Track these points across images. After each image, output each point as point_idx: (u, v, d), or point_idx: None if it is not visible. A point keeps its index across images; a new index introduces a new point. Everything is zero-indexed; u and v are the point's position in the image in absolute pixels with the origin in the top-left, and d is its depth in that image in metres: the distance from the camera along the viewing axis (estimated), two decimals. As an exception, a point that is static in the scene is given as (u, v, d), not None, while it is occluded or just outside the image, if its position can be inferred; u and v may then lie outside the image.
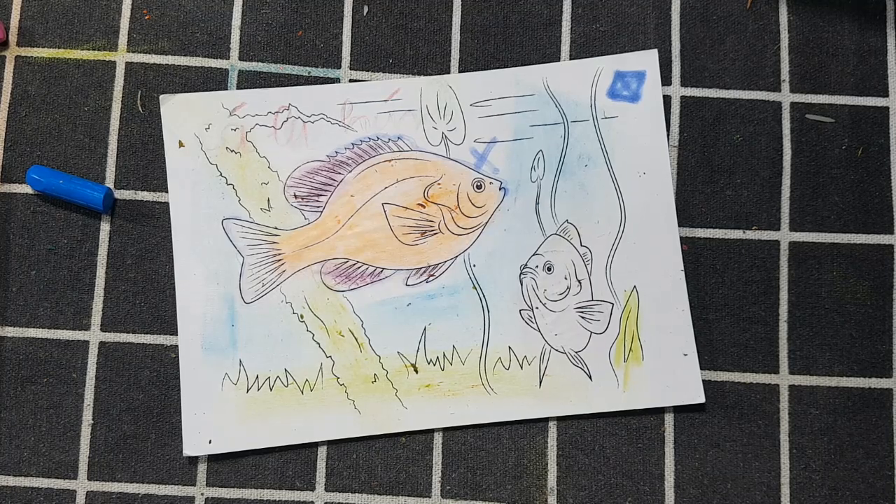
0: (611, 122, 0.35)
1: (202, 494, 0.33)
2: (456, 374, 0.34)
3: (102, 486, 0.33)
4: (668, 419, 0.34)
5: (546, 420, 0.34)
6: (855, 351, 0.34)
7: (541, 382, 0.34)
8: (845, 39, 0.36)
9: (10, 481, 0.33)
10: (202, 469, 0.33)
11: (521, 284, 0.34)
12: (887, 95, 0.36)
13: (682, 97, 0.36)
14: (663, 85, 0.35)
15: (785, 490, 0.33)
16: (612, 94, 0.35)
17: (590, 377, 0.34)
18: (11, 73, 0.35)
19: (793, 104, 0.36)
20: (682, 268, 0.34)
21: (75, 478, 0.33)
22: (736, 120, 0.35)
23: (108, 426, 0.33)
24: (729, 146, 0.35)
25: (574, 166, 0.35)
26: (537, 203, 0.35)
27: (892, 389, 0.34)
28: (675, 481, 0.33)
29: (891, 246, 0.35)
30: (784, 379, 0.34)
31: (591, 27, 0.36)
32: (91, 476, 0.33)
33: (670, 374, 0.34)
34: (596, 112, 0.35)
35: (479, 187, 0.35)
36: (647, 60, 0.35)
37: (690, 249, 0.35)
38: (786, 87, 0.36)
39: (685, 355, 0.34)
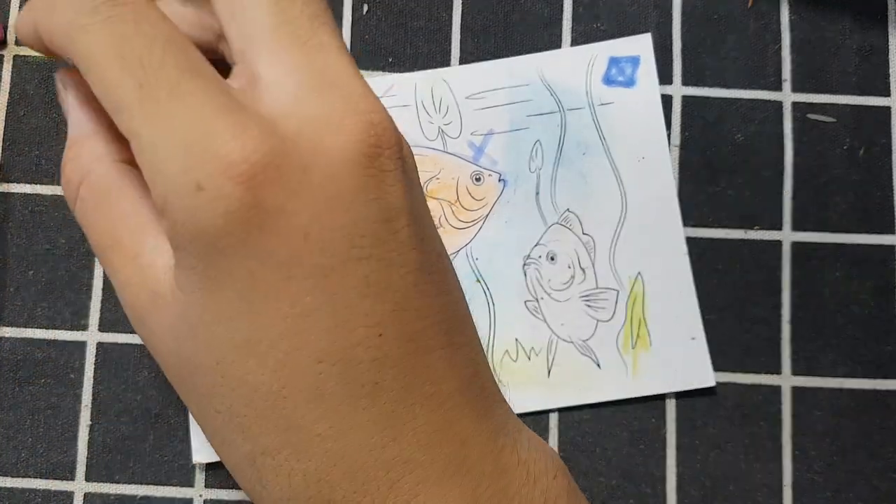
0: (607, 108, 0.35)
1: (201, 496, 0.33)
2: None
3: (100, 488, 0.33)
4: (670, 421, 0.34)
5: (551, 417, 0.33)
6: (858, 352, 0.34)
7: (549, 373, 0.33)
8: (847, 39, 0.36)
9: (8, 482, 0.33)
10: (201, 470, 0.33)
11: (525, 275, 0.34)
12: (889, 95, 0.36)
13: (684, 96, 0.35)
14: (664, 84, 0.35)
15: (787, 492, 0.33)
16: (608, 80, 0.35)
17: (598, 365, 0.33)
18: (10, 73, 0.35)
19: (794, 104, 0.35)
20: (686, 251, 0.34)
21: (73, 479, 0.33)
22: (737, 119, 0.35)
23: (106, 427, 0.33)
24: (730, 146, 0.35)
25: (572, 154, 0.35)
26: (537, 193, 0.35)
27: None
28: (677, 483, 0.33)
29: (893, 246, 0.35)
30: (786, 380, 0.34)
31: (592, 26, 0.36)
32: (89, 477, 0.33)
33: (679, 358, 0.33)
34: (592, 99, 0.35)
35: (478, 180, 0.35)
36: (640, 45, 0.35)
37: (692, 250, 0.34)
38: (787, 86, 0.36)
39: (693, 339, 0.34)
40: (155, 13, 0.20)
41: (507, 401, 0.23)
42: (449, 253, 0.34)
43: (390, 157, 0.20)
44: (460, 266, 0.34)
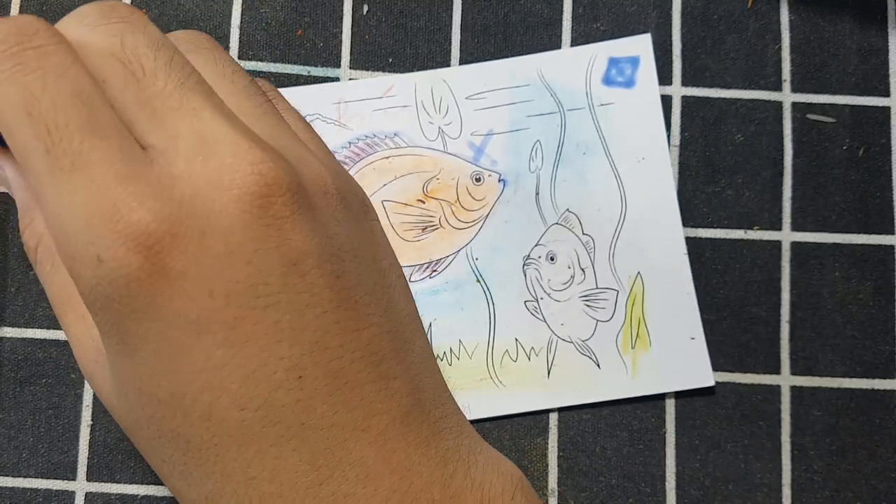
0: (607, 108, 0.35)
1: (201, 496, 0.33)
2: (464, 368, 0.33)
3: (101, 487, 0.33)
4: (670, 421, 0.34)
5: (551, 417, 0.33)
6: (857, 352, 0.34)
7: (549, 373, 0.33)
8: (846, 39, 0.36)
9: (9, 482, 0.33)
10: (201, 470, 0.33)
11: (525, 275, 0.34)
12: (888, 95, 0.36)
13: (683, 97, 0.35)
14: (664, 84, 0.35)
15: (786, 491, 0.33)
16: (607, 80, 0.35)
17: (598, 365, 0.34)
18: (11, 73, 0.35)
19: (794, 104, 0.36)
20: (686, 251, 0.34)
21: (74, 479, 0.33)
22: (737, 120, 0.35)
23: (107, 427, 0.33)
24: (730, 146, 0.35)
25: (572, 155, 0.35)
26: (537, 193, 0.35)
27: (895, 391, 0.34)
28: (677, 482, 0.33)
29: (892, 246, 0.35)
30: (786, 380, 0.34)
31: (592, 26, 0.36)
32: (90, 477, 0.33)
33: (679, 358, 0.34)
34: (592, 100, 0.35)
35: (478, 180, 0.35)
36: (640, 45, 0.35)
37: (692, 250, 0.34)
38: (787, 86, 0.36)
39: (692, 339, 0.34)
40: (64, 59, 0.20)
41: (467, 412, 0.23)
42: (449, 253, 0.35)
43: (285, 204, 0.20)
44: (460, 266, 0.34)
